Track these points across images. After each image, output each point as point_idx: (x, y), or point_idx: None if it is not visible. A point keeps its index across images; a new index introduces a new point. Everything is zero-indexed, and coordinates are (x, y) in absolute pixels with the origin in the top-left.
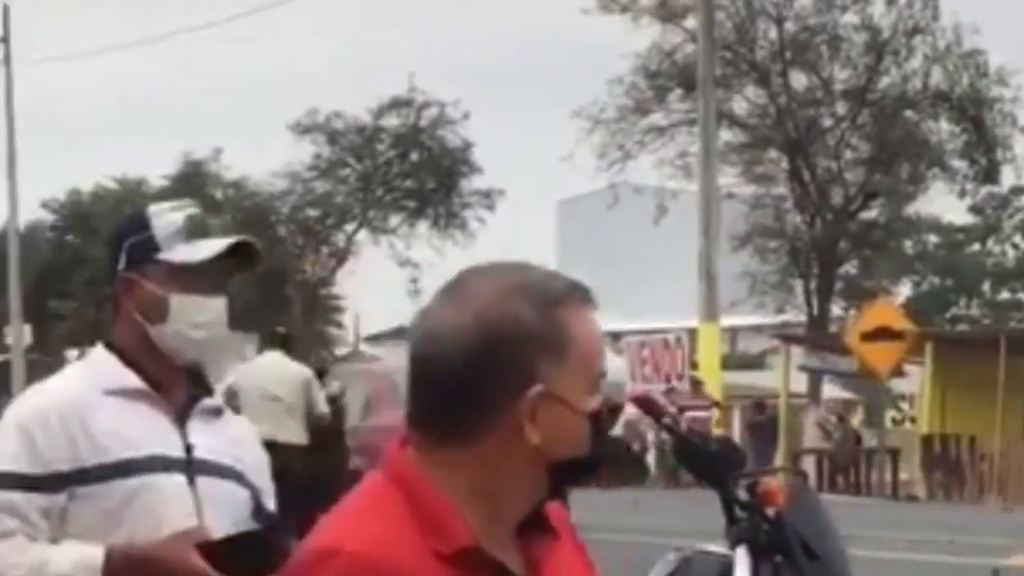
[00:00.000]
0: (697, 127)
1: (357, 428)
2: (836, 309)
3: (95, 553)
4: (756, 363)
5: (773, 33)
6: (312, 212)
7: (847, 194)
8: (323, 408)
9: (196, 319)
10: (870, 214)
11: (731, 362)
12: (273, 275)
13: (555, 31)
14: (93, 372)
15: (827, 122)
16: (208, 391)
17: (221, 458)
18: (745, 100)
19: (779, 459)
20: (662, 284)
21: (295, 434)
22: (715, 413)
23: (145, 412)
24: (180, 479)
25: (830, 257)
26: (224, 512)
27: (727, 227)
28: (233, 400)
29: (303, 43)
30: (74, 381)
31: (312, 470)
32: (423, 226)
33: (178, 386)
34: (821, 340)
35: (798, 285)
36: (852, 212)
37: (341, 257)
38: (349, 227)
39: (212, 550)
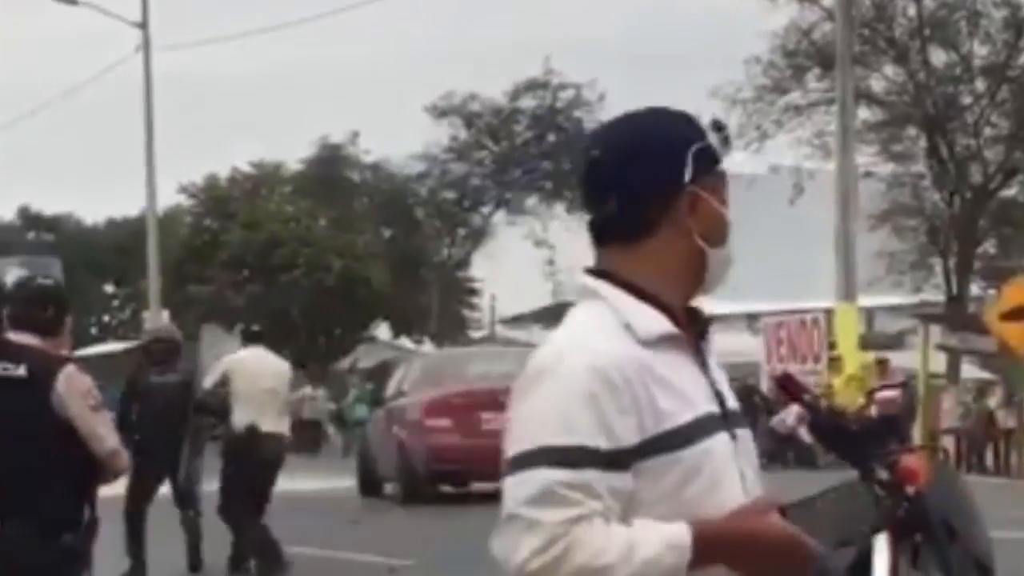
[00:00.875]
0: (835, 106)
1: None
2: (975, 288)
3: (681, 531)
4: (894, 343)
5: (912, 10)
6: (449, 194)
7: (986, 172)
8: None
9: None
10: (1010, 192)
11: (869, 342)
12: (410, 258)
13: (691, 10)
14: (618, 317)
15: (966, 99)
16: (707, 323)
17: (735, 402)
18: (883, 78)
19: (918, 439)
20: (799, 264)
21: (283, 424)
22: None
23: (683, 362)
24: (725, 437)
25: (969, 236)
26: (753, 466)
27: (864, 206)
28: (224, 387)
29: (439, 26)
30: (610, 332)
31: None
32: (559, 207)
33: (685, 324)
34: (960, 319)
35: (937, 264)
36: (991, 190)
37: (478, 239)
38: (485, 209)
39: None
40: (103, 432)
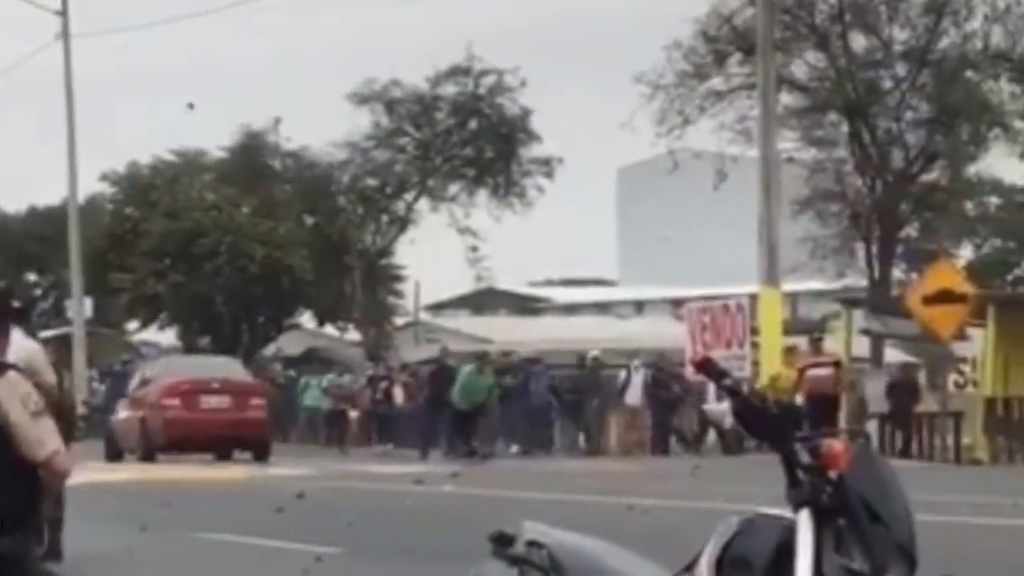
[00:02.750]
0: (756, 91)
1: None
2: (897, 272)
3: None
4: (818, 328)
5: None
6: (371, 182)
7: (908, 156)
8: (49, 376)
9: None
10: (931, 176)
11: (792, 327)
12: (333, 245)
13: None
14: None
15: (887, 84)
16: None
17: None
18: (804, 64)
19: (842, 423)
20: (722, 250)
21: None
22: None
23: None
24: None
25: (891, 220)
26: None
27: (787, 192)
28: None
29: (360, 13)
30: None
31: None
32: (482, 194)
33: None
34: (883, 304)
35: (859, 249)
36: (913, 175)
37: (401, 226)
38: (408, 196)
39: None
40: (43, 438)
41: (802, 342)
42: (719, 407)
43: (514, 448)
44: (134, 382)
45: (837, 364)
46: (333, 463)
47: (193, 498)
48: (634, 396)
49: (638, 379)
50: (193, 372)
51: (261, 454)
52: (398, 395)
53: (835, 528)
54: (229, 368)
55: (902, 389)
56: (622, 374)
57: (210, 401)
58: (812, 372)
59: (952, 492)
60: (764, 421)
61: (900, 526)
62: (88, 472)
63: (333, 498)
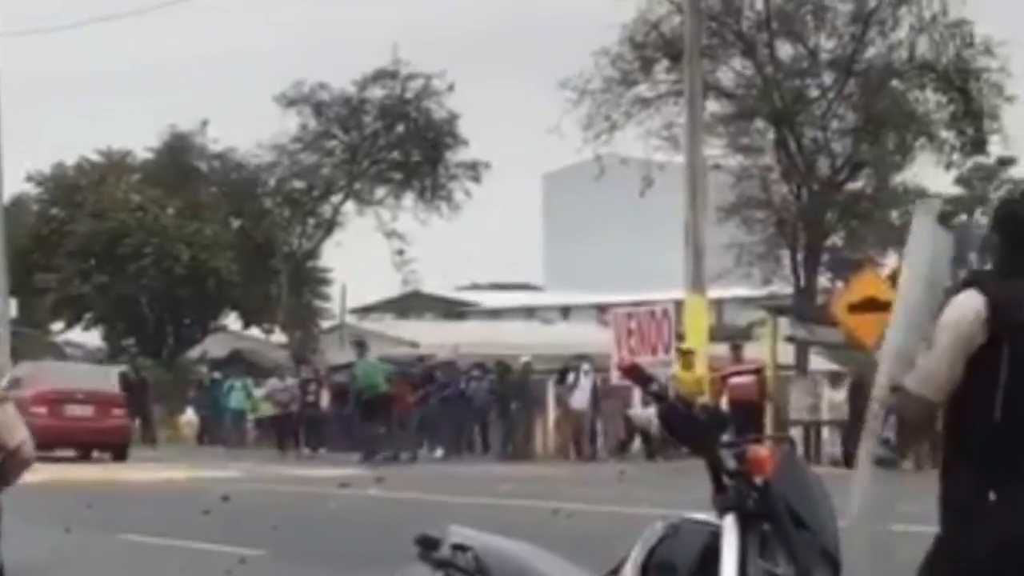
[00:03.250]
0: (683, 98)
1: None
2: (823, 280)
3: None
4: (743, 335)
5: (759, 4)
6: (298, 184)
7: (834, 165)
8: None
9: None
10: (857, 185)
11: (718, 333)
12: (259, 247)
13: (541, 2)
14: None
15: (813, 93)
16: None
17: None
18: (731, 71)
19: (767, 430)
20: (649, 256)
21: None
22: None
23: None
24: None
25: (817, 228)
26: None
27: (714, 198)
28: None
29: (289, 15)
30: None
31: None
32: (409, 198)
33: None
34: (808, 311)
35: (785, 256)
36: (839, 183)
37: (327, 229)
38: (335, 199)
39: None
40: (13, 425)
41: (722, 349)
42: (644, 412)
43: (438, 452)
44: (4, 380)
45: (759, 372)
46: (259, 466)
47: (117, 499)
48: (581, 400)
49: (587, 383)
50: (61, 381)
51: (120, 456)
52: (325, 398)
53: (760, 533)
54: (95, 378)
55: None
56: (571, 376)
57: (74, 410)
58: (734, 380)
59: None
60: (690, 427)
61: (824, 531)
62: None
63: (259, 501)
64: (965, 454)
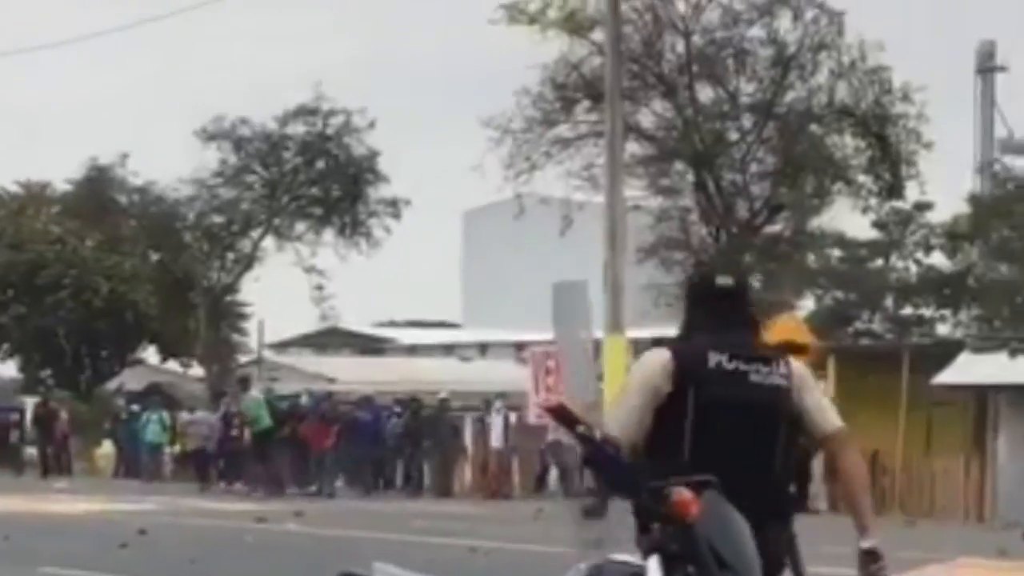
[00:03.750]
0: (604, 139)
1: None
2: None
3: None
4: None
5: (680, 46)
6: (218, 218)
7: (752, 207)
8: None
9: None
10: (775, 228)
11: None
12: (178, 281)
13: (463, 41)
14: None
15: (733, 135)
16: None
17: None
18: (652, 113)
19: None
20: None
21: None
22: None
23: None
24: None
25: (735, 270)
26: None
27: (633, 239)
28: None
29: (210, 50)
30: None
31: None
32: (329, 234)
33: None
34: None
35: None
36: (757, 225)
37: (247, 263)
38: (255, 234)
39: None
40: None
41: None
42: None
43: (353, 488)
44: None
45: None
46: (175, 499)
47: (33, 532)
48: (496, 437)
49: (499, 421)
50: None
51: None
52: (245, 432)
53: (684, 574)
54: None
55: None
56: (490, 416)
57: None
58: None
59: None
60: (616, 469)
61: (748, 572)
62: None
63: (175, 534)
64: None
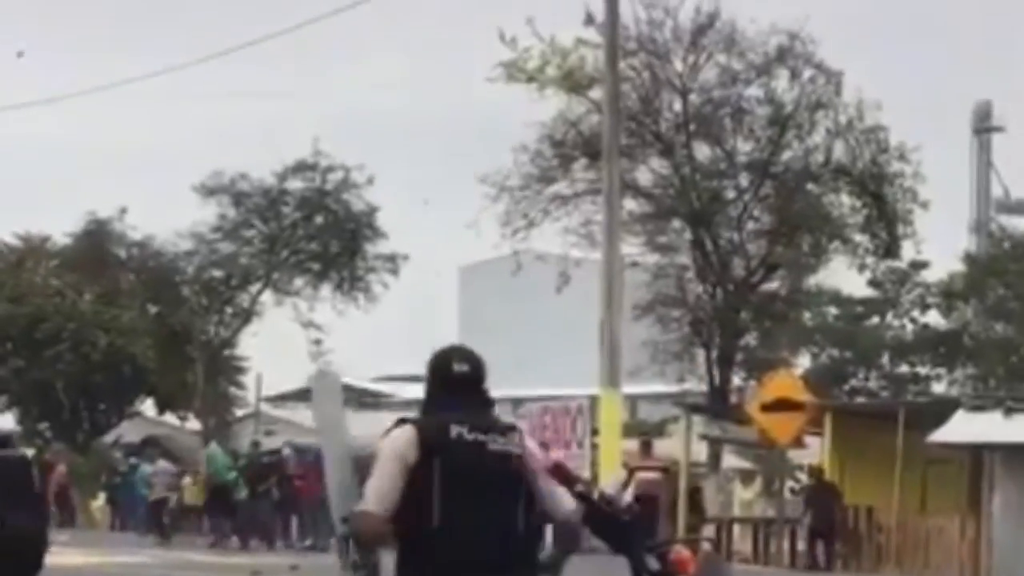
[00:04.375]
0: (601, 196)
1: None
2: (737, 379)
3: None
4: (656, 431)
5: (678, 105)
6: (216, 273)
7: (749, 265)
8: None
9: None
10: (771, 285)
11: (632, 430)
12: (176, 335)
13: (461, 99)
14: None
15: (730, 194)
16: None
17: None
18: (649, 170)
19: (682, 529)
20: (564, 351)
21: None
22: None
23: None
24: None
25: (731, 327)
26: None
27: (630, 296)
28: None
29: (210, 105)
30: None
31: None
32: (327, 289)
33: None
34: (722, 410)
35: (699, 354)
36: (754, 283)
37: (245, 318)
38: (253, 288)
39: None
40: None
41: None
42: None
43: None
44: None
45: (666, 469)
46: (169, 552)
47: None
48: None
49: None
50: None
51: None
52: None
53: None
54: None
55: (825, 492)
56: None
57: None
58: (642, 475)
59: None
60: (614, 527)
61: None
62: None
63: None
64: (412, 558)
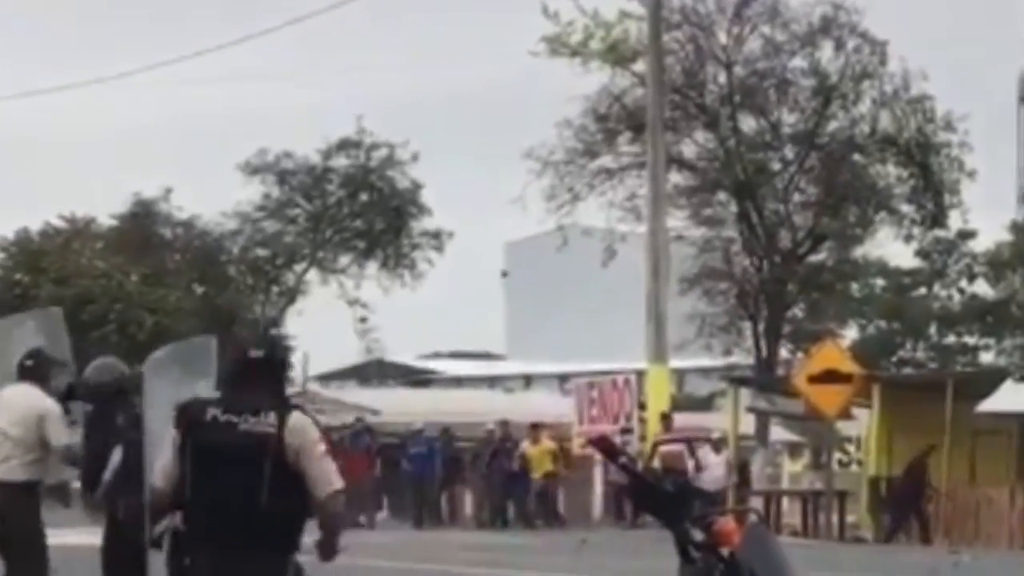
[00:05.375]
0: (646, 170)
1: None
2: (784, 352)
3: None
4: (704, 405)
5: (722, 77)
6: (262, 252)
7: (795, 237)
8: (62, 440)
9: None
10: (818, 257)
11: (679, 404)
12: (222, 314)
13: (504, 73)
14: None
15: (775, 166)
16: None
17: None
18: (694, 143)
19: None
20: (610, 326)
21: (15, 472)
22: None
23: None
24: None
25: (778, 300)
26: None
27: (675, 269)
28: None
29: (254, 84)
30: None
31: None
32: (372, 266)
33: None
34: (769, 382)
35: (746, 327)
36: (800, 255)
37: (290, 297)
38: (298, 267)
39: None
40: None
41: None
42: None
43: (397, 519)
44: None
45: (688, 441)
46: None
47: (82, 565)
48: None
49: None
50: None
51: None
52: None
53: None
54: None
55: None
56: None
57: None
58: (664, 448)
59: (838, 570)
60: (659, 499)
61: None
62: None
63: None
64: (180, 530)
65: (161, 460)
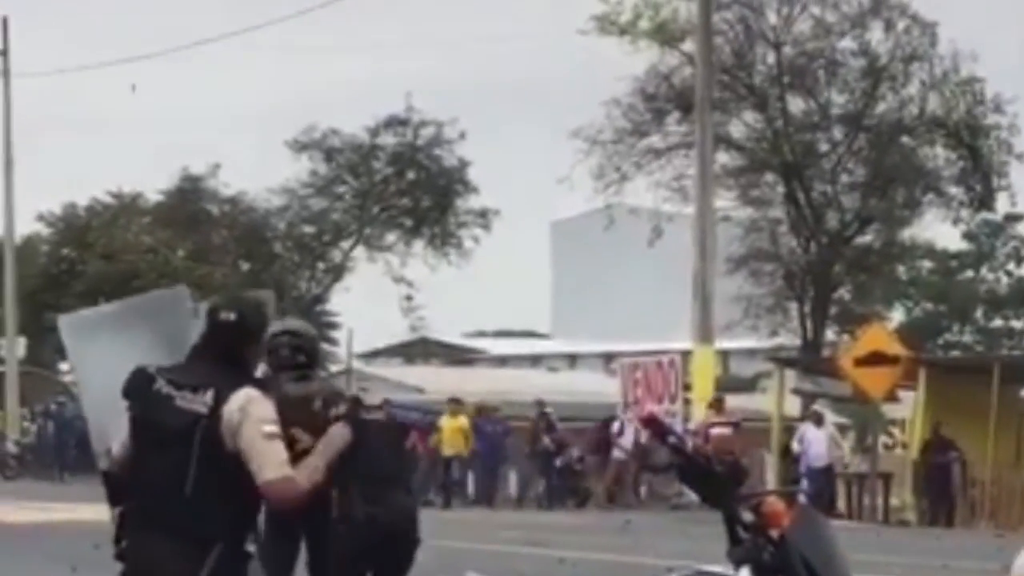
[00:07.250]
0: (694, 150)
1: None
2: (830, 333)
3: None
4: (749, 386)
5: (771, 58)
6: (308, 229)
7: (843, 219)
8: None
9: None
10: (865, 239)
11: (724, 384)
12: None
13: (553, 52)
14: None
15: (823, 147)
16: None
17: None
18: (742, 124)
19: (775, 482)
20: (656, 306)
21: None
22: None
23: None
24: None
25: (825, 281)
26: None
27: (722, 250)
28: None
29: (302, 61)
30: None
31: None
32: (418, 244)
33: None
34: (815, 364)
35: (792, 308)
36: (847, 237)
37: (337, 274)
38: (345, 244)
39: None
40: None
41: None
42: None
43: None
44: None
45: (737, 424)
46: None
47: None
48: (626, 447)
49: (630, 430)
50: None
51: None
52: None
53: None
54: None
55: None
56: (615, 425)
57: None
58: (716, 431)
59: (882, 553)
60: (707, 479)
61: None
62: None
63: None
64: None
65: (124, 430)
